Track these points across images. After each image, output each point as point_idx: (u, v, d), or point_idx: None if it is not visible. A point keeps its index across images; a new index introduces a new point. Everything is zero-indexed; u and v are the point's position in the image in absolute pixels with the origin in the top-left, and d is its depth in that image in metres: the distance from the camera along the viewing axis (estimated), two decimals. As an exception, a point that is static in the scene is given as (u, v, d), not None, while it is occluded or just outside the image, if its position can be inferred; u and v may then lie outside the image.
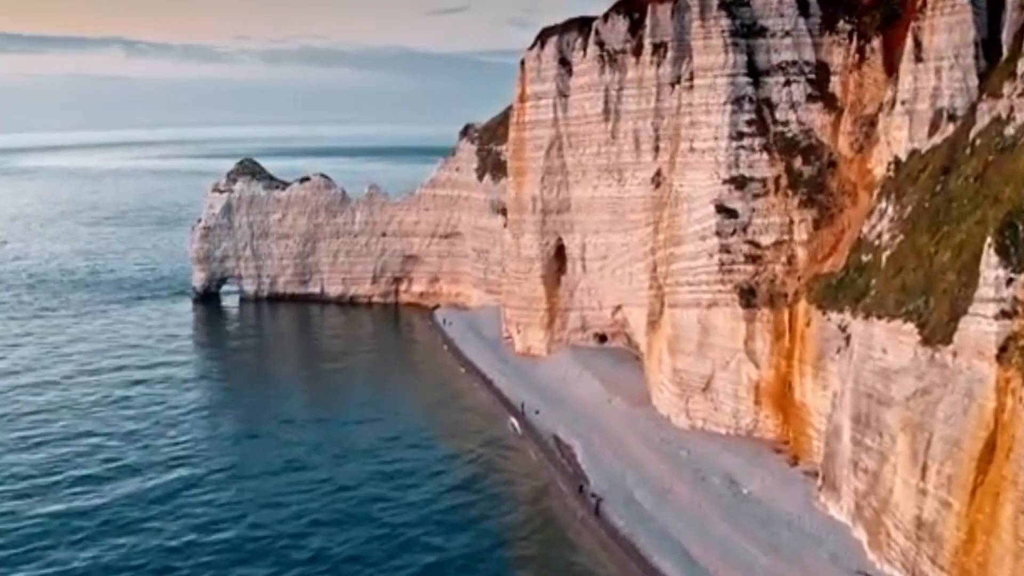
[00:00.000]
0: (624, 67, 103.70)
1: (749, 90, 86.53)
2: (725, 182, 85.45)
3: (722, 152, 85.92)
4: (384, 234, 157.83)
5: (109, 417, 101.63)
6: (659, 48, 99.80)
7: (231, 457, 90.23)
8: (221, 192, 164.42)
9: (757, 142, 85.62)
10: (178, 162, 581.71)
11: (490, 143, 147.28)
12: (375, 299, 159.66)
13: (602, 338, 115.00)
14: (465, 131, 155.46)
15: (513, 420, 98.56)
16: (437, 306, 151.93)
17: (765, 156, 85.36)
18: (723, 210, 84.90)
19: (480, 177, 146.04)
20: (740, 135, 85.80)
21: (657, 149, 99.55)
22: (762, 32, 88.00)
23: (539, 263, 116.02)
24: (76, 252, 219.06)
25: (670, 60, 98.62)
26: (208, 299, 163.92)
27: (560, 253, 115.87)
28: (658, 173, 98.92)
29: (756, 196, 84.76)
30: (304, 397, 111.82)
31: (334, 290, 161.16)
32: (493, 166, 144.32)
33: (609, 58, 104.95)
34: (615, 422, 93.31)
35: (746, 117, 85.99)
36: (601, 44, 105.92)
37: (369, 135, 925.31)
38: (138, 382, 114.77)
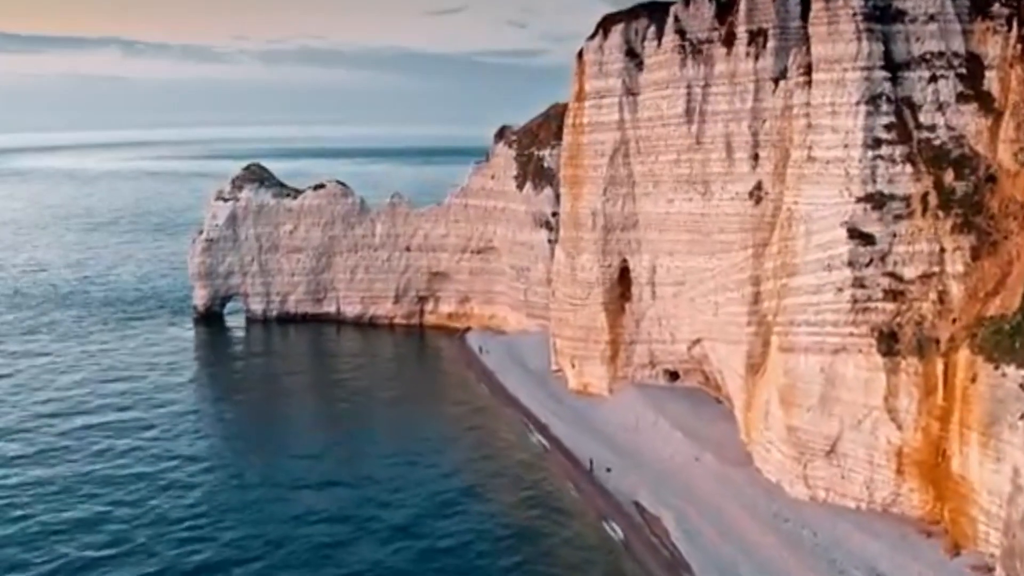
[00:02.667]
0: (711, 60, 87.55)
1: (886, 87, 70.51)
2: (859, 200, 69.56)
3: (854, 163, 69.95)
4: (408, 248, 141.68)
5: (99, 489, 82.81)
6: (757, 36, 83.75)
7: (249, 545, 72.06)
8: (225, 200, 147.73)
9: (898, 151, 69.67)
10: (176, 163, 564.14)
11: (531, 147, 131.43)
12: (397, 320, 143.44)
13: (673, 375, 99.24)
14: (501, 133, 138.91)
15: (571, 483, 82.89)
16: (468, 329, 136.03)
17: (908, 168, 69.43)
18: (856, 235, 69.10)
19: (520, 186, 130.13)
20: (877, 142, 69.79)
21: (756, 157, 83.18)
22: (899, 16, 72.15)
23: (600, 288, 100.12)
24: (67, 264, 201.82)
25: (771, 51, 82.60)
26: (211, 319, 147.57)
27: (624, 276, 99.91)
28: (758, 186, 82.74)
29: (898, 218, 68.96)
30: (327, 453, 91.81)
31: (351, 310, 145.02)
32: (535, 173, 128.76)
33: (692, 49, 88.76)
34: (709, 487, 77.61)
35: (883, 120, 69.97)
36: (682, 32, 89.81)
37: (368, 135, 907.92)
38: (132, 432, 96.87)
